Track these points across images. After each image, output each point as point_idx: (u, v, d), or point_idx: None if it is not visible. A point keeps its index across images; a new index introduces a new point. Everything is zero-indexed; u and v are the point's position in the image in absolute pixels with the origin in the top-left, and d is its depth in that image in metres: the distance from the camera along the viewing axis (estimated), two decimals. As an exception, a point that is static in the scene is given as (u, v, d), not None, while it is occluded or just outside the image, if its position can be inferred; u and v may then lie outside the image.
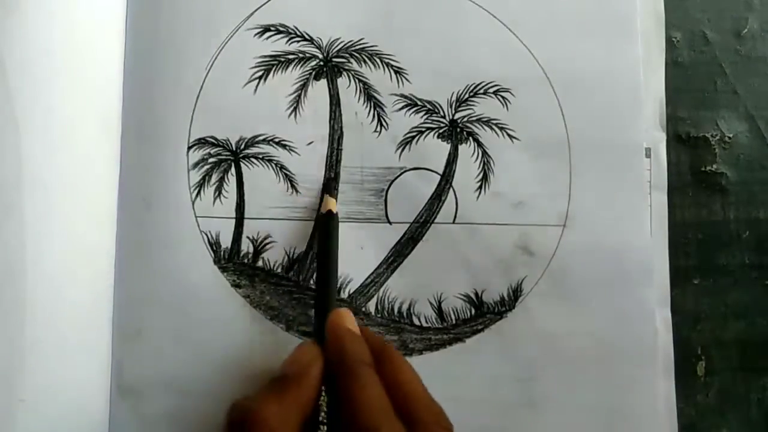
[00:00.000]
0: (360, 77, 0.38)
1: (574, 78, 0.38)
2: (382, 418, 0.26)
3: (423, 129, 0.38)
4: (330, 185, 0.37)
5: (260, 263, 0.36)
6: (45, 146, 0.33)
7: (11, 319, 0.31)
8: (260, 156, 0.37)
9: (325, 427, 0.28)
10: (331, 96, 0.38)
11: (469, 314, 0.37)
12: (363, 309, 0.37)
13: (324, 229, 0.35)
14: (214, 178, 0.37)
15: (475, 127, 0.38)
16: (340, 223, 0.37)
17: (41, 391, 0.32)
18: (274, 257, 0.36)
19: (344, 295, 0.37)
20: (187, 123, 0.36)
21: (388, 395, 0.28)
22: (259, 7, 0.37)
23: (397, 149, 0.37)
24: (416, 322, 0.37)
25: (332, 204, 0.35)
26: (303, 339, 0.36)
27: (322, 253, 0.34)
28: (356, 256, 0.37)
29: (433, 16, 0.38)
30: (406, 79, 0.38)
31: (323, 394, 0.29)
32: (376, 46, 0.38)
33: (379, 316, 0.37)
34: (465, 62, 0.38)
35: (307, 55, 0.38)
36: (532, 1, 0.38)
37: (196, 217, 0.36)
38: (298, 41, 0.38)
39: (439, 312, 0.37)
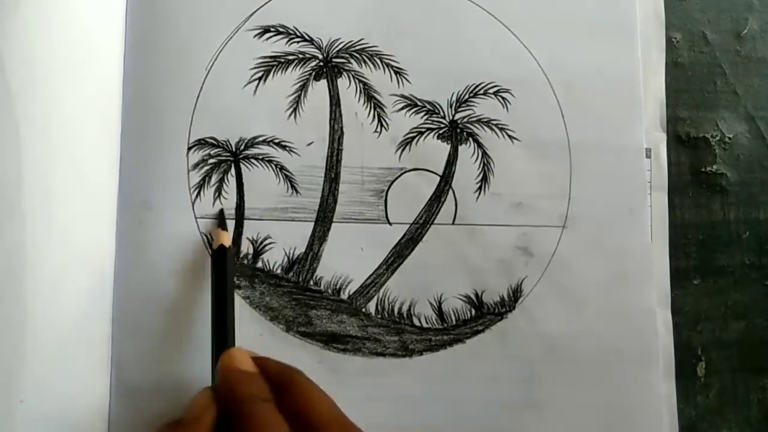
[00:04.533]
0: (360, 78, 0.38)
1: (574, 78, 0.38)
2: None
3: (423, 129, 0.38)
4: (222, 217, 0.36)
5: (260, 264, 0.36)
6: (45, 146, 0.33)
7: (11, 319, 0.31)
8: (260, 157, 0.37)
9: None
10: (331, 96, 0.37)
11: (469, 315, 0.37)
12: (363, 310, 0.37)
13: (217, 265, 0.34)
14: (214, 178, 0.37)
15: (475, 127, 0.38)
16: (340, 224, 0.37)
17: (41, 391, 0.32)
18: (273, 258, 0.36)
19: (344, 295, 0.37)
20: (187, 124, 0.36)
21: (297, 426, 0.27)
22: (258, 8, 0.37)
23: (397, 150, 0.37)
24: (416, 322, 0.37)
25: (224, 237, 0.34)
26: (303, 340, 0.36)
27: (215, 291, 0.33)
28: (356, 256, 0.37)
29: (433, 16, 0.38)
30: (406, 80, 0.38)
31: None
32: (376, 46, 0.38)
33: (379, 316, 0.37)
34: (465, 63, 0.38)
35: (307, 55, 0.38)
36: (532, 2, 0.38)
37: (195, 217, 0.36)
38: (298, 42, 0.38)
39: (440, 313, 0.37)
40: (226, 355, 0.30)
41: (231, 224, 0.36)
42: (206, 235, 0.36)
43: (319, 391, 0.29)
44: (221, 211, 0.36)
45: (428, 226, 0.37)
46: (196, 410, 0.28)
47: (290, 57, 0.37)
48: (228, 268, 0.34)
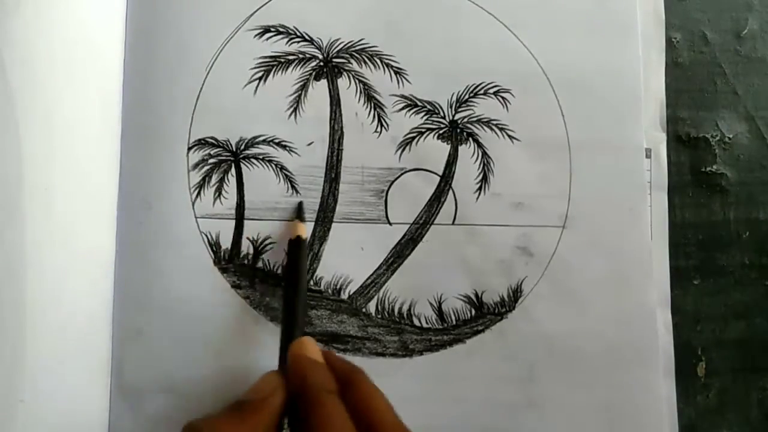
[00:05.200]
0: (360, 78, 0.38)
1: (574, 78, 0.38)
2: None
3: (423, 130, 0.38)
4: (302, 210, 0.36)
5: (260, 264, 0.36)
6: (45, 146, 0.33)
7: (11, 319, 0.31)
8: (260, 157, 0.37)
9: None
10: (331, 96, 0.37)
11: (469, 315, 0.37)
12: (363, 310, 0.37)
13: (293, 254, 0.34)
14: (214, 178, 0.37)
15: (475, 127, 0.38)
16: (340, 224, 0.37)
17: (41, 391, 0.32)
18: (274, 258, 0.36)
19: (344, 295, 0.37)
20: (187, 124, 0.36)
21: (356, 423, 0.27)
22: (259, 8, 0.37)
23: (397, 150, 0.37)
24: (416, 322, 0.37)
25: (301, 229, 0.35)
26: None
27: (289, 279, 0.34)
28: (356, 256, 0.37)
29: (433, 16, 0.38)
30: (406, 80, 0.38)
31: (285, 425, 0.28)
32: (376, 46, 0.38)
33: (380, 316, 0.37)
34: (465, 63, 0.38)
35: (307, 55, 0.38)
36: (532, 2, 0.38)
37: (196, 217, 0.36)
38: (298, 42, 0.38)
39: (440, 313, 0.37)
40: (298, 342, 0.31)
41: (231, 224, 0.36)
42: (206, 235, 0.36)
43: (380, 394, 0.29)
44: (300, 204, 0.36)
45: (428, 226, 0.37)
46: (263, 391, 0.29)
47: (290, 57, 0.37)
48: (301, 259, 0.34)
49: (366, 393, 0.29)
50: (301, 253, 0.34)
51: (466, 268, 0.37)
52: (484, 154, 0.38)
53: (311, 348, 0.31)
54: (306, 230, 0.35)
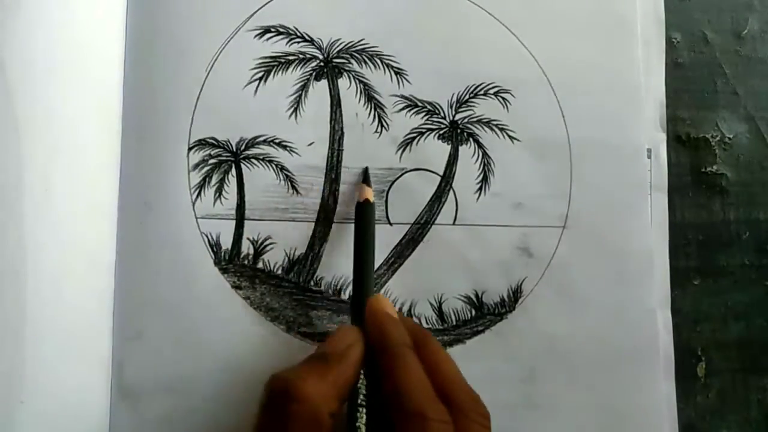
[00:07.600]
0: (360, 78, 0.38)
1: (574, 78, 0.38)
2: (426, 401, 0.26)
3: (423, 130, 0.38)
4: (367, 175, 0.37)
5: (260, 264, 0.36)
6: (45, 147, 0.33)
7: (11, 319, 0.31)
8: (261, 157, 0.37)
9: (365, 410, 0.28)
10: (331, 97, 0.37)
11: (469, 315, 0.37)
12: (363, 310, 0.37)
13: (360, 216, 0.35)
14: (215, 179, 0.37)
15: (476, 128, 0.38)
16: (341, 224, 0.37)
17: (41, 392, 0.32)
18: (274, 258, 0.36)
19: (345, 296, 0.37)
20: (187, 124, 0.36)
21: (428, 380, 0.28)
22: (259, 8, 0.37)
23: (398, 150, 0.37)
24: (417, 323, 0.37)
25: (368, 193, 0.35)
26: (304, 340, 0.36)
27: (358, 240, 0.35)
28: (357, 257, 0.37)
29: (433, 17, 0.38)
30: (407, 80, 0.38)
31: (362, 377, 0.29)
32: (376, 47, 0.38)
33: (380, 317, 0.37)
34: (465, 63, 0.38)
35: (308, 56, 0.38)
36: (532, 2, 0.38)
37: (196, 218, 0.36)
38: (299, 42, 0.38)
39: (440, 313, 0.37)
40: (376, 298, 0.31)
41: (231, 225, 0.36)
42: (207, 236, 0.36)
43: (449, 357, 0.30)
44: (366, 169, 0.37)
45: (429, 226, 0.37)
46: (343, 343, 0.29)
47: (290, 57, 0.37)
48: (369, 220, 0.35)
49: (436, 353, 0.30)
50: (369, 215, 0.35)
51: (467, 268, 0.37)
52: (485, 154, 0.38)
53: (388, 305, 0.31)
54: (372, 193, 0.36)
